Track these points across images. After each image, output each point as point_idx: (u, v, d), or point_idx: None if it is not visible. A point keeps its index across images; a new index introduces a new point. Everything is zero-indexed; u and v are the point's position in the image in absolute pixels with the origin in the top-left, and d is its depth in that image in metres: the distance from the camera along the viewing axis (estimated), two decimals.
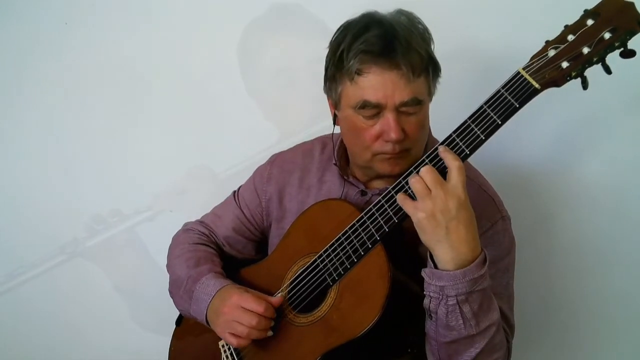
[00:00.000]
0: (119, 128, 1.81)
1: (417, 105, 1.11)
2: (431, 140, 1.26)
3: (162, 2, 1.71)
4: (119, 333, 1.95)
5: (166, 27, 1.71)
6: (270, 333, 1.17)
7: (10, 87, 1.78)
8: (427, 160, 1.03)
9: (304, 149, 1.42)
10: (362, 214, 1.11)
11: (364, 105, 1.11)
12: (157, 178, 1.83)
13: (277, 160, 1.43)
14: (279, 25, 1.61)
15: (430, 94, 1.16)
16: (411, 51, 1.08)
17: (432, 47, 1.15)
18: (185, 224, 1.48)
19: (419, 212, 0.98)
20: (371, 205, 1.10)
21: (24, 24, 1.72)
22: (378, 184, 1.26)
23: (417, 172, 1.01)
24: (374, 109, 1.11)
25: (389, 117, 1.10)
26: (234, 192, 1.47)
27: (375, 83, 1.09)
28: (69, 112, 1.80)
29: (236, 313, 1.15)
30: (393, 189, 1.07)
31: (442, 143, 1.03)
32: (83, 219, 1.87)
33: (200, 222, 1.47)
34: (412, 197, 1.02)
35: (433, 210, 0.97)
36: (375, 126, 1.13)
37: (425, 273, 1.03)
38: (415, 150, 1.17)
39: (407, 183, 1.04)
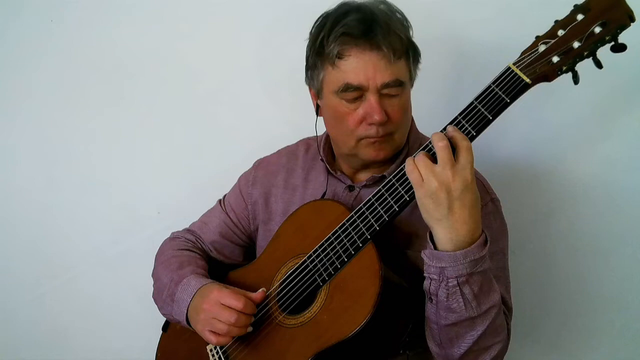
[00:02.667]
0: (112, 129, 1.80)
1: (399, 86, 1.12)
2: (415, 133, 1.26)
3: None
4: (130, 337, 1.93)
5: (164, 26, 1.70)
6: (249, 329, 1.15)
7: None
8: (430, 145, 1.01)
9: (288, 150, 1.43)
10: (353, 213, 1.10)
11: (346, 88, 1.12)
12: (164, 183, 1.83)
13: (262, 164, 1.43)
14: (292, 25, 1.61)
15: (411, 78, 1.18)
16: (391, 33, 1.10)
17: (411, 33, 1.17)
18: (172, 233, 1.47)
19: (422, 188, 0.97)
20: (361, 204, 1.09)
21: (10, 22, 1.70)
22: (364, 176, 1.26)
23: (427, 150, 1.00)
24: (356, 92, 1.12)
25: (371, 99, 1.11)
26: (220, 199, 1.46)
27: (356, 65, 1.10)
28: (57, 112, 1.79)
29: (215, 310, 1.13)
30: (384, 187, 1.07)
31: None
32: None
33: (187, 229, 1.46)
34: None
35: (437, 188, 0.95)
36: (358, 110, 1.13)
37: (424, 254, 1.02)
38: (398, 135, 1.18)
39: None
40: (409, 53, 1.15)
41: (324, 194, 1.28)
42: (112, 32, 1.71)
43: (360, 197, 1.23)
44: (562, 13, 0.96)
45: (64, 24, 1.71)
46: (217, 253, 1.42)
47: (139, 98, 1.77)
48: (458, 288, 0.99)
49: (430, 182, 0.96)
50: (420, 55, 1.19)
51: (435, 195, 0.95)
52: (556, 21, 0.97)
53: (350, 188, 1.26)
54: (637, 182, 1.57)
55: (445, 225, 0.97)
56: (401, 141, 1.20)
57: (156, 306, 1.34)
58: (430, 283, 1.02)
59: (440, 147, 0.96)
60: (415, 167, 0.99)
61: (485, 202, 1.20)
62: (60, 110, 1.79)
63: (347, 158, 1.26)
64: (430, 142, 1.00)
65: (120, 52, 1.73)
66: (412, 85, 1.20)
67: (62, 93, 1.77)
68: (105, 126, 1.80)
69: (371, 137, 1.14)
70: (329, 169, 1.29)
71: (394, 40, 1.10)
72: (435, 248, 1.00)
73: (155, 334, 1.41)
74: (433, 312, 1.05)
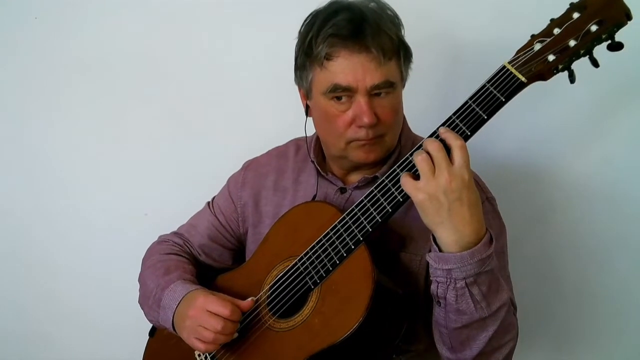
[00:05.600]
0: (97, 129, 1.78)
1: (389, 88, 1.11)
2: (407, 133, 1.25)
3: None
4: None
5: (154, 24, 1.69)
6: (235, 335, 1.13)
7: None
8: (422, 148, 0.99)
9: (278, 151, 1.41)
10: (345, 214, 1.09)
11: (335, 89, 1.11)
12: (152, 184, 1.81)
13: (251, 165, 1.41)
14: (284, 23, 1.60)
15: (402, 78, 1.17)
16: (381, 34, 1.08)
17: (402, 32, 1.15)
18: (160, 236, 1.45)
19: (420, 193, 0.95)
20: (353, 206, 1.08)
21: None
22: (355, 177, 1.25)
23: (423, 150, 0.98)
24: (345, 93, 1.11)
25: (360, 101, 1.10)
26: (208, 202, 1.45)
27: (345, 67, 1.09)
28: (40, 112, 1.77)
29: (201, 317, 1.11)
30: (376, 188, 1.05)
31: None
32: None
33: (175, 233, 1.44)
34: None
35: (436, 191, 0.93)
36: (347, 112, 1.12)
37: (430, 257, 1.00)
38: (389, 137, 1.16)
39: (402, 169, 1.01)
40: (400, 53, 1.13)
41: (315, 196, 1.26)
42: (99, 30, 1.69)
43: (352, 199, 1.22)
44: (558, 11, 0.95)
45: (48, 21, 1.69)
46: (206, 257, 1.40)
47: (127, 97, 1.75)
48: (467, 289, 0.97)
49: (428, 187, 0.94)
50: (411, 55, 1.17)
51: (434, 198, 0.94)
52: (552, 19, 0.96)
53: (342, 190, 1.25)
54: (635, 182, 1.57)
55: (448, 227, 0.95)
56: (392, 143, 1.19)
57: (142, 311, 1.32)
58: (437, 286, 1.00)
59: (434, 148, 0.95)
60: (409, 177, 0.97)
61: (482, 201, 1.18)
62: (43, 109, 1.77)
63: (337, 160, 1.24)
64: (421, 145, 0.99)
65: (108, 51, 1.71)
66: (403, 86, 1.19)
67: (46, 92, 1.75)
68: (90, 126, 1.78)
69: (361, 139, 1.13)
70: (320, 170, 1.27)
71: (384, 41, 1.09)
72: (441, 251, 0.98)
73: (142, 339, 1.39)
74: (442, 316, 1.03)
